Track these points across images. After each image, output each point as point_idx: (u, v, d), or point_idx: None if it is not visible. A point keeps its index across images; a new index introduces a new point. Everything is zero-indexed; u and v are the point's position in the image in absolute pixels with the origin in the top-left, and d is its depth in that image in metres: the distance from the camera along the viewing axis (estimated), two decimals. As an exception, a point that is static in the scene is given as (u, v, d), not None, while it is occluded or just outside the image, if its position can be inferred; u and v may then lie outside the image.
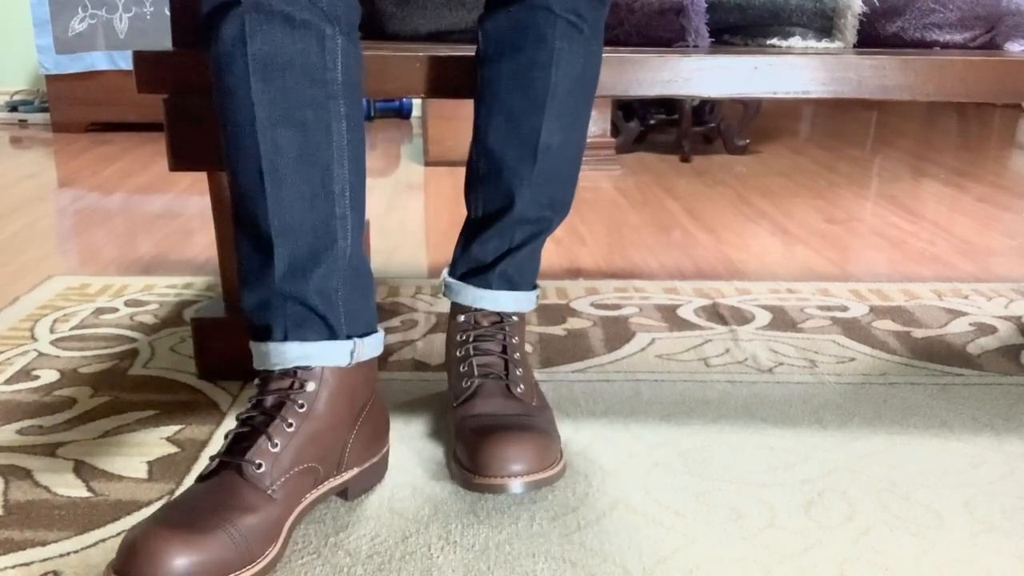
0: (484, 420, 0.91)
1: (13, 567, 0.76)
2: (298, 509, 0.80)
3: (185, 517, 0.72)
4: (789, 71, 1.06)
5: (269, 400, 0.80)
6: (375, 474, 0.90)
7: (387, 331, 1.31)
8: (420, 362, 1.21)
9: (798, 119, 3.80)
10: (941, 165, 2.72)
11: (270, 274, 0.80)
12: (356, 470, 0.87)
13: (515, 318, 1.00)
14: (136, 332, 1.30)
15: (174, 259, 1.69)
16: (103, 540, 0.80)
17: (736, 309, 1.42)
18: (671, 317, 1.38)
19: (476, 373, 0.96)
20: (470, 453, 0.87)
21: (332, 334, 0.82)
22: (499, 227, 0.97)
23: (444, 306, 1.42)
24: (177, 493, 0.88)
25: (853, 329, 1.34)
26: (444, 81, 1.07)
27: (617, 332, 1.32)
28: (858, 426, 1.03)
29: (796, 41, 1.21)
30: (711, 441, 0.99)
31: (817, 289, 1.53)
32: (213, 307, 1.16)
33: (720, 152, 2.91)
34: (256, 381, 0.82)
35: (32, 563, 0.77)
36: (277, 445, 0.77)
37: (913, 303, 1.46)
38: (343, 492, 0.87)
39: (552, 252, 1.76)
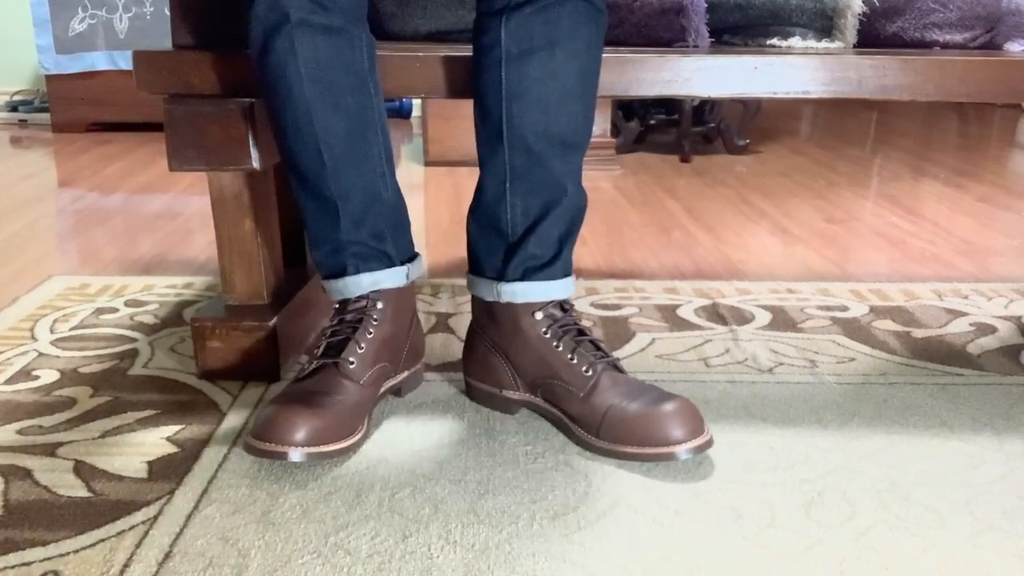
0: (639, 396, 0.96)
1: (13, 567, 0.76)
2: (376, 396, 1.02)
3: (304, 399, 0.93)
4: (789, 71, 1.06)
5: (350, 316, 1.02)
6: (418, 378, 1.12)
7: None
8: (420, 362, 1.21)
9: (798, 119, 3.80)
10: (941, 165, 2.73)
11: (337, 228, 1.00)
12: (407, 372, 1.09)
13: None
14: (136, 332, 1.30)
15: (174, 259, 1.69)
16: (103, 540, 0.80)
17: (736, 309, 1.42)
18: (671, 317, 1.38)
19: (595, 359, 0.99)
20: (645, 427, 0.93)
21: (391, 262, 1.04)
22: (557, 220, 1.01)
23: (444, 306, 1.42)
24: (177, 493, 0.88)
25: (853, 329, 1.34)
26: (444, 81, 1.07)
27: (617, 332, 1.32)
28: (858, 426, 1.03)
29: (796, 41, 1.21)
30: (711, 441, 0.99)
31: (817, 289, 1.53)
32: (213, 307, 1.16)
33: (720, 152, 2.91)
34: (335, 306, 1.04)
35: (32, 563, 0.77)
36: (363, 347, 1.00)
37: (913, 303, 1.46)
38: (397, 391, 1.09)
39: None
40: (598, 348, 1.01)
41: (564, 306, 1.03)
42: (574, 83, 0.97)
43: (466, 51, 1.04)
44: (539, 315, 1.01)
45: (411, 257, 1.07)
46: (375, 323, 1.01)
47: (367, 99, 0.99)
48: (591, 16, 0.97)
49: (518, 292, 1.01)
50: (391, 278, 1.03)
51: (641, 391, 0.97)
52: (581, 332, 1.02)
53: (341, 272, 1.02)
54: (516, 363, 1.03)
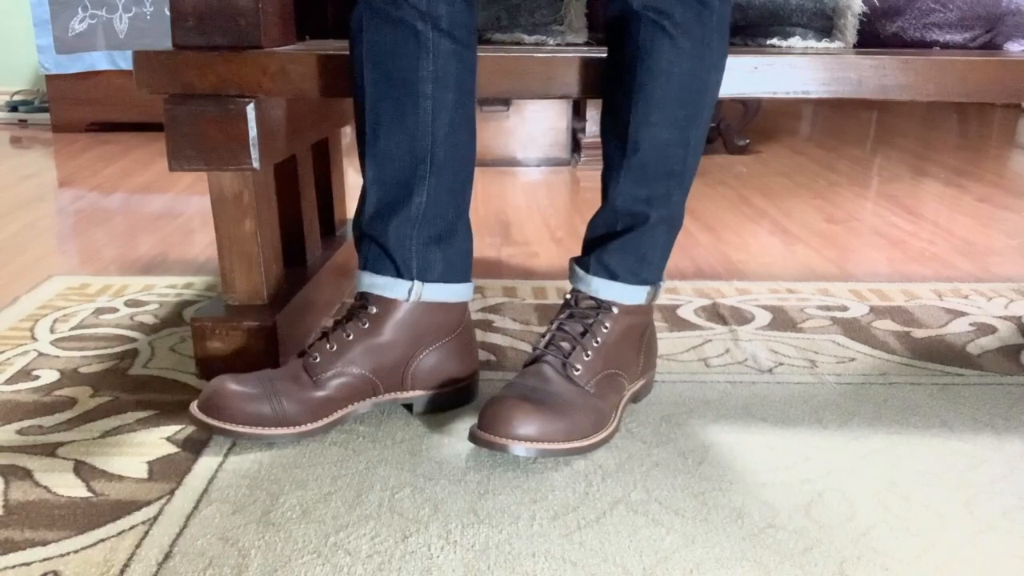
0: (517, 383, 0.97)
1: (13, 567, 0.76)
2: (350, 407, 1.00)
3: (243, 384, 0.96)
4: (789, 71, 1.06)
5: (344, 313, 1.03)
6: (449, 399, 1.06)
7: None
8: (420, 362, 1.21)
9: (798, 119, 3.80)
10: (941, 165, 2.72)
11: (362, 209, 1.01)
12: (421, 391, 1.05)
13: (615, 309, 1.02)
14: (136, 332, 1.30)
15: (174, 259, 1.69)
16: (103, 540, 0.80)
17: (736, 309, 1.42)
18: (671, 317, 1.38)
19: (542, 345, 1.01)
20: (483, 409, 0.93)
21: (397, 273, 1.01)
22: (603, 214, 1.03)
23: (444, 306, 1.42)
24: (177, 493, 0.88)
25: (853, 329, 1.34)
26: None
27: (617, 332, 1.32)
28: (858, 426, 1.03)
29: (796, 41, 1.21)
30: (711, 441, 0.99)
31: (817, 289, 1.53)
32: (213, 307, 1.16)
33: (720, 152, 2.91)
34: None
35: (32, 563, 0.77)
36: (333, 347, 0.99)
37: (913, 303, 1.46)
38: (409, 406, 1.06)
39: (552, 252, 1.76)
40: (571, 352, 1.02)
41: (600, 305, 1.04)
42: (659, 102, 1.01)
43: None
44: (567, 295, 1.07)
45: (436, 279, 1.02)
46: (360, 328, 1.00)
47: (421, 99, 0.97)
48: (656, 36, 0.99)
49: (572, 265, 1.08)
50: (389, 287, 1.01)
51: None
52: (584, 334, 1.02)
53: (361, 260, 1.03)
54: None
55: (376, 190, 1.00)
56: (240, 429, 0.94)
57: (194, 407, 0.95)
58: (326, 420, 0.98)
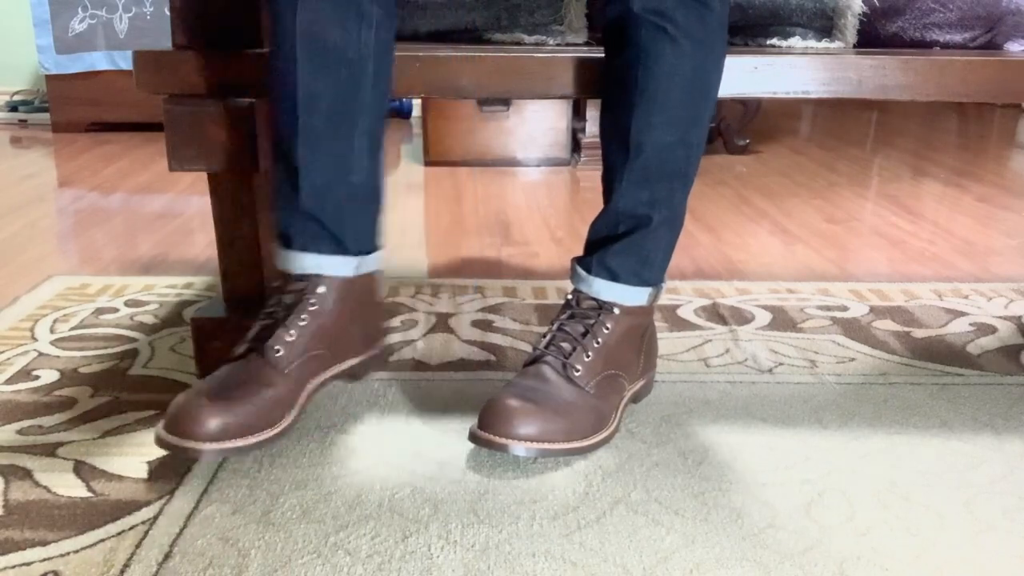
0: (518, 382, 0.97)
1: (13, 567, 0.76)
2: (310, 385, 0.98)
3: (219, 389, 0.91)
4: (789, 71, 1.06)
5: (287, 299, 0.98)
6: (378, 361, 1.11)
7: (387, 331, 1.31)
8: (420, 362, 1.21)
9: (798, 119, 3.80)
10: (941, 165, 2.72)
11: (295, 197, 0.97)
12: (357, 359, 1.05)
13: (616, 310, 1.01)
14: (136, 332, 1.30)
15: (174, 259, 1.69)
16: (103, 540, 0.80)
17: (736, 309, 1.42)
18: (671, 317, 1.38)
19: (543, 346, 1.01)
20: (483, 409, 0.93)
21: (343, 250, 1.00)
22: (605, 216, 1.02)
23: (444, 306, 1.42)
24: (177, 493, 0.88)
25: (853, 329, 1.34)
26: (443, 81, 1.07)
27: (617, 332, 1.32)
28: (858, 426, 1.03)
29: (796, 41, 1.21)
30: (711, 441, 0.99)
31: (817, 289, 1.53)
32: (213, 307, 1.16)
33: (720, 152, 2.91)
34: (276, 283, 1.01)
35: (32, 563, 0.77)
36: (293, 335, 0.96)
37: (913, 303, 1.46)
38: (353, 375, 1.07)
39: (552, 252, 1.76)
40: (572, 352, 1.02)
41: (602, 307, 1.03)
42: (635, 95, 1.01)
43: (466, 51, 1.04)
44: (569, 295, 1.06)
45: (370, 250, 1.04)
46: (312, 308, 0.97)
47: (362, 77, 0.96)
48: (657, 38, 0.99)
49: (573, 265, 1.07)
50: (337, 266, 1.00)
51: None
52: (585, 335, 1.02)
53: (287, 243, 0.99)
54: None
55: (314, 168, 0.97)
56: (229, 444, 0.89)
57: (163, 432, 0.89)
58: (297, 407, 0.97)
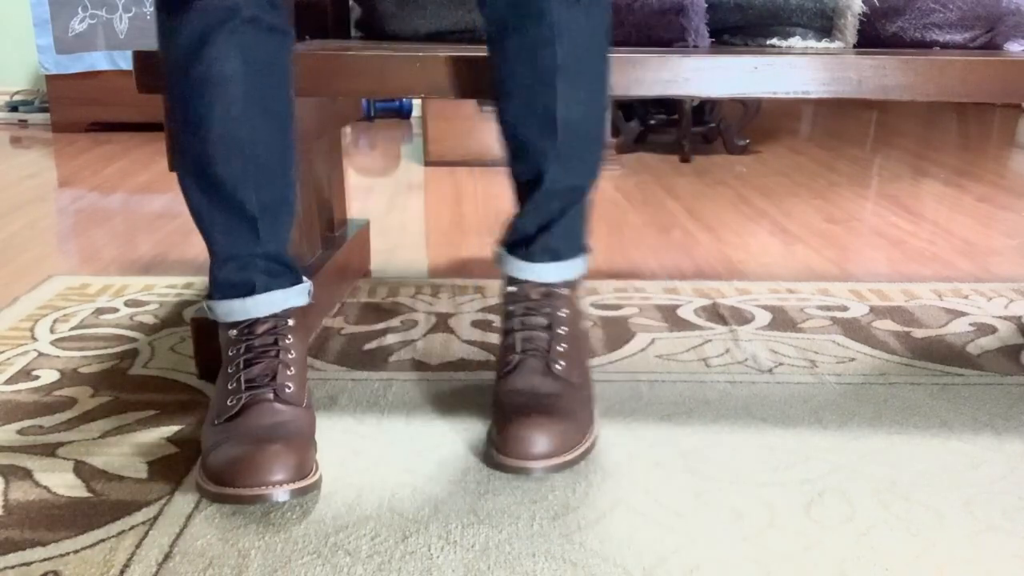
0: (516, 399, 0.95)
1: (13, 567, 0.76)
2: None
3: (264, 437, 0.85)
4: (789, 71, 1.06)
5: (259, 342, 0.94)
6: None
7: (387, 331, 1.31)
8: (420, 362, 1.21)
9: (798, 119, 3.80)
10: (941, 165, 2.72)
11: (252, 242, 0.94)
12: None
13: (564, 290, 1.01)
14: (136, 332, 1.30)
15: (174, 259, 1.69)
16: (103, 540, 0.80)
17: (736, 309, 1.42)
18: (671, 317, 1.38)
19: (518, 348, 0.99)
20: (499, 431, 0.93)
21: (297, 279, 0.99)
22: (535, 202, 0.99)
23: (444, 306, 1.42)
24: (177, 493, 0.88)
25: (853, 329, 1.34)
26: (444, 81, 1.07)
27: (617, 332, 1.32)
28: (858, 426, 1.03)
29: (796, 41, 1.21)
30: (711, 441, 0.99)
31: (817, 289, 1.53)
32: (213, 307, 1.16)
33: (720, 152, 2.91)
34: (232, 333, 0.95)
35: (32, 563, 0.77)
36: (293, 370, 0.93)
37: (913, 303, 1.46)
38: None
39: (552, 252, 1.76)
40: (549, 347, 1.00)
41: (552, 291, 1.02)
42: (552, 67, 0.97)
43: (466, 51, 1.04)
44: (512, 288, 1.03)
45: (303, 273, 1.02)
46: (289, 343, 0.95)
47: (290, 103, 0.96)
48: (570, 4, 0.95)
49: (501, 259, 1.04)
50: (298, 296, 0.98)
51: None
52: (550, 325, 1.01)
53: (249, 290, 0.95)
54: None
55: (267, 215, 0.94)
56: (300, 484, 0.84)
57: (224, 488, 0.83)
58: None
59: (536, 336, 0.99)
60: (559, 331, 0.99)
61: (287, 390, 0.92)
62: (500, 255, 1.04)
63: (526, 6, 0.91)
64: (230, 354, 0.95)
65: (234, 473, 0.82)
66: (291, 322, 0.96)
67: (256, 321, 0.95)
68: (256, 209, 0.93)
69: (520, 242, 1.01)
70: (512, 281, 1.02)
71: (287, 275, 0.98)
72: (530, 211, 1.00)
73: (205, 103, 0.90)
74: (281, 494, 0.82)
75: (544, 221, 1.00)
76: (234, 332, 0.95)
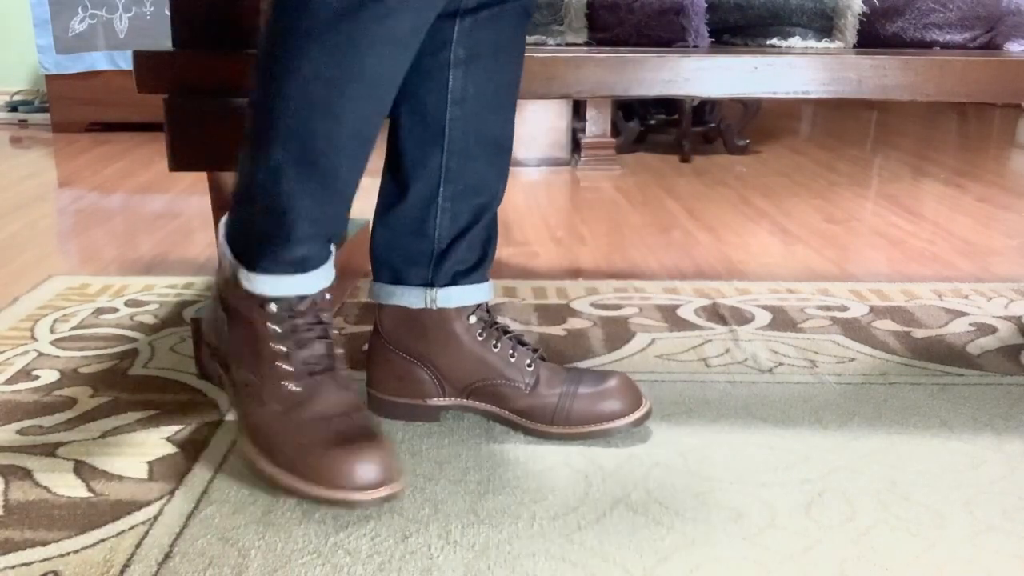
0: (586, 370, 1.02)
1: (13, 567, 0.76)
2: None
3: (351, 432, 0.85)
4: (789, 71, 1.06)
5: (302, 320, 0.90)
6: None
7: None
8: (420, 362, 1.21)
9: (798, 119, 3.80)
10: (941, 165, 2.72)
11: (341, 221, 0.92)
12: None
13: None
14: (136, 332, 1.30)
15: (174, 259, 1.69)
16: (103, 540, 0.80)
17: (736, 309, 1.42)
18: (671, 317, 1.38)
19: (532, 354, 1.01)
20: (630, 397, 1.00)
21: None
22: (485, 224, 1.01)
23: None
24: (177, 493, 0.88)
25: (853, 329, 1.34)
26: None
27: (617, 332, 1.32)
28: (858, 426, 1.03)
29: (796, 41, 1.21)
30: (711, 441, 0.99)
31: (817, 289, 1.53)
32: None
33: (720, 152, 2.91)
34: (272, 307, 0.89)
35: (32, 563, 0.77)
36: (342, 349, 0.94)
37: (913, 303, 1.46)
38: None
39: (552, 252, 1.76)
40: (524, 343, 1.02)
41: (487, 308, 1.03)
42: (510, 89, 0.99)
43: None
44: (472, 319, 1.00)
45: None
46: (328, 318, 0.92)
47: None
48: (524, 23, 0.98)
49: (453, 297, 0.99)
50: (331, 267, 0.94)
51: (579, 375, 1.01)
52: (506, 330, 1.02)
53: (320, 262, 0.91)
54: (445, 370, 1.00)
55: (350, 192, 0.92)
56: (396, 484, 0.84)
57: (376, 495, 0.82)
58: None
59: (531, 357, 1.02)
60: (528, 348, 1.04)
61: (343, 374, 0.91)
62: (439, 295, 1.01)
63: (507, 28, 0.96)
64: (275, 330, 0.89)
65: (334, 475, 0.82)
66: (328, 296, 0.92)
67: (301, 298, 0.89)
68: (352, 196, 0.90)
69: (468, 270, 1.02)
70: (466, 311, 1.01)
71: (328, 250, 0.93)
72: (478, 235, 1.02)
73: (348, 94, 0.83)
74: (384, 491, 0.82)
75: (489, 236, 1.04)
76: (273, 307, 0.89)
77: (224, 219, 0.95)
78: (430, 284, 1.00)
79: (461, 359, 1.00)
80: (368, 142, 0.88)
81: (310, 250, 0.89)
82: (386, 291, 1.01)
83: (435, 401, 1.02)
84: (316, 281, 0.90)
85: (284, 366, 0.88)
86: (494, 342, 1.00)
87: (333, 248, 0.93)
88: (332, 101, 0.82)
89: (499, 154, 1.00)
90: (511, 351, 1.00)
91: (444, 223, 0.98)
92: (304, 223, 0.87)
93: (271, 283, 0.89)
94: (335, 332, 0.92)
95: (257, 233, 0.89)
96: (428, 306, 1.00)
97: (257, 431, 0.88)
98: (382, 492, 0.82)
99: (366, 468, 0.82)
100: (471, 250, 1.01)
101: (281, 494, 0.87)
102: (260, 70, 0.85)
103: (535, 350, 1.02)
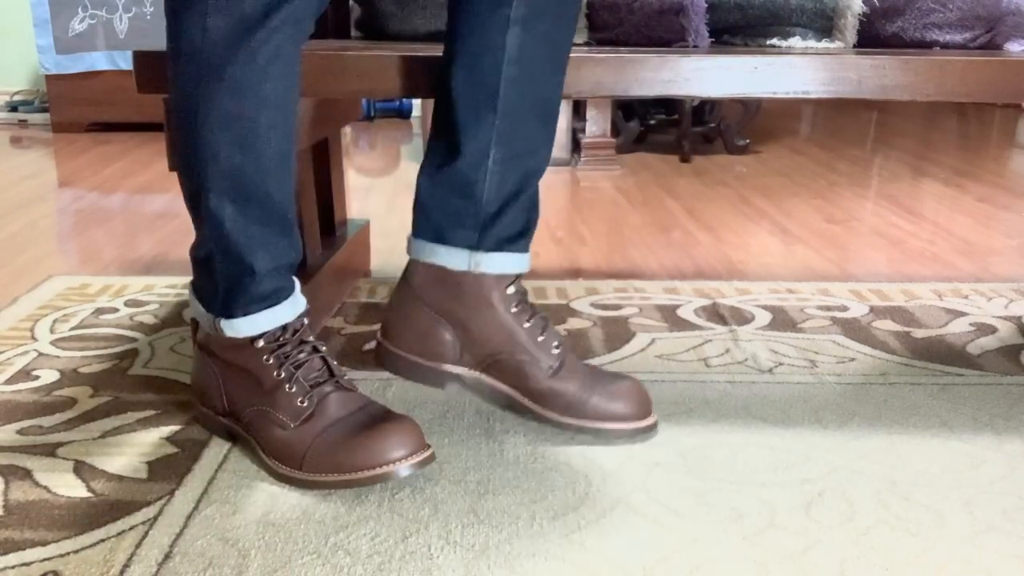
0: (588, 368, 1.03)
1: (13, 567, 0.76)
2: None
3: (374, 419, 0.90)
4: (789, 71, 1.06)
5: (290, 347, 0.93)
6: None
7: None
8: (420, 362, 1.21)
9: (798, 119, 3.80)
10: (941, 165, 2.73)
11: (291, 249, 0.95)
12: None
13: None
14: (136, 332, 1.30)
15: (174, 259, 1.69)
16: (103, 540, 0.80)
17: (736, 309, 1.42)
18: (671, 317, 1.38)
19: (561, 339, 1.02)
20: (635, 404, 1.00)
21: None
22: (531, 192, 1.00)
23: (444, 306, 1.42)
24: (177, 493, 0.88)
25: (853, 329, 1.34)
26: (444, 81, 1.06)
27: (617, 332, 1.32)
28: (858, 426, 1.03)
29: (796, 41, 1.21)
30: (711, 441, 0.99)
31: (817, 289, 1.53)
32: (213, 307, 1.16)
33: (720, 152, 2.91)
34: (259, 344, 0.93)
35: (32, 563, 0.77)
36: (334, 359, 0.96)
37: (913, 303, 1.46)
38: None
39: (552, 252, 1.76)
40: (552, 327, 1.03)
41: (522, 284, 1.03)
42: (564, 50, 0.98)
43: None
44: (511, 289, 1.00)
45: None
46: (312, 337, 0.96)
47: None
48: None
49: (496, 263, 0.99)
50: (300, 296, 0.97)
51: (597, 371, 1.02)
52: (537, 311, 1.02)
53: (282, 297, 0.94)
54: (473, 334, 0.99)
55: (292, 221, 0.95)
56: (421, 457, 0.88)
57: (411, 462, 0.87)
58: None
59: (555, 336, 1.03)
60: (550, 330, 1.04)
61: (345, 378, 0.94)
62: (485, 259, 1.00)
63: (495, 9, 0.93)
64: (268, 362, 0.93)
65: (369, 457, 0.86)
66: (306, 321, 0.96)
67: (283, 328, 0.94)
68: (293, 218, 0.93)
69: (511, 238, 1.02)
70: (508, 279, 1.01)
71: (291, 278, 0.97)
72: (524, 203, 1.01)
73: (246, 107, 0.85)
74: (404, 469, 0.86)
75: (512, 194, 1.02)
76: (261, 343, 0.93)
77: (190, 283, 0.98)
78: (475, 247, 0.99)
79: (492, 328, 0.99)
80: (288, 157, 0.90)
81: (276, 282, 0.93)
82: (428, 249, 1.00)
83: (449, 367, 1.01)
84: (291, 310, 0.94)
85: (289, 388, 0.92)
86: (527, 317, 1.00)
87: (296, 281, 0.96)
88: (248, 134, 0.86)
89: (550, 118, 0.99)
90: (541, 330, 1.00)
91: (492, 186, 0.97)
92: (260, 252, 0.90)
93: (250, 322, 0.93)
94: (325, 348, 0.95)
95: (224, 280, 0.92)
96: (471, 269, 0.98)
97: (281, 449, 0.91)
98: (418, 458, 0.87)
99: (396, 441, 0.86)
100: (517, 218, 1.00)
101: (328, 494, 0.88)
102: (178, 127, 0.89)
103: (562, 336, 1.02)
